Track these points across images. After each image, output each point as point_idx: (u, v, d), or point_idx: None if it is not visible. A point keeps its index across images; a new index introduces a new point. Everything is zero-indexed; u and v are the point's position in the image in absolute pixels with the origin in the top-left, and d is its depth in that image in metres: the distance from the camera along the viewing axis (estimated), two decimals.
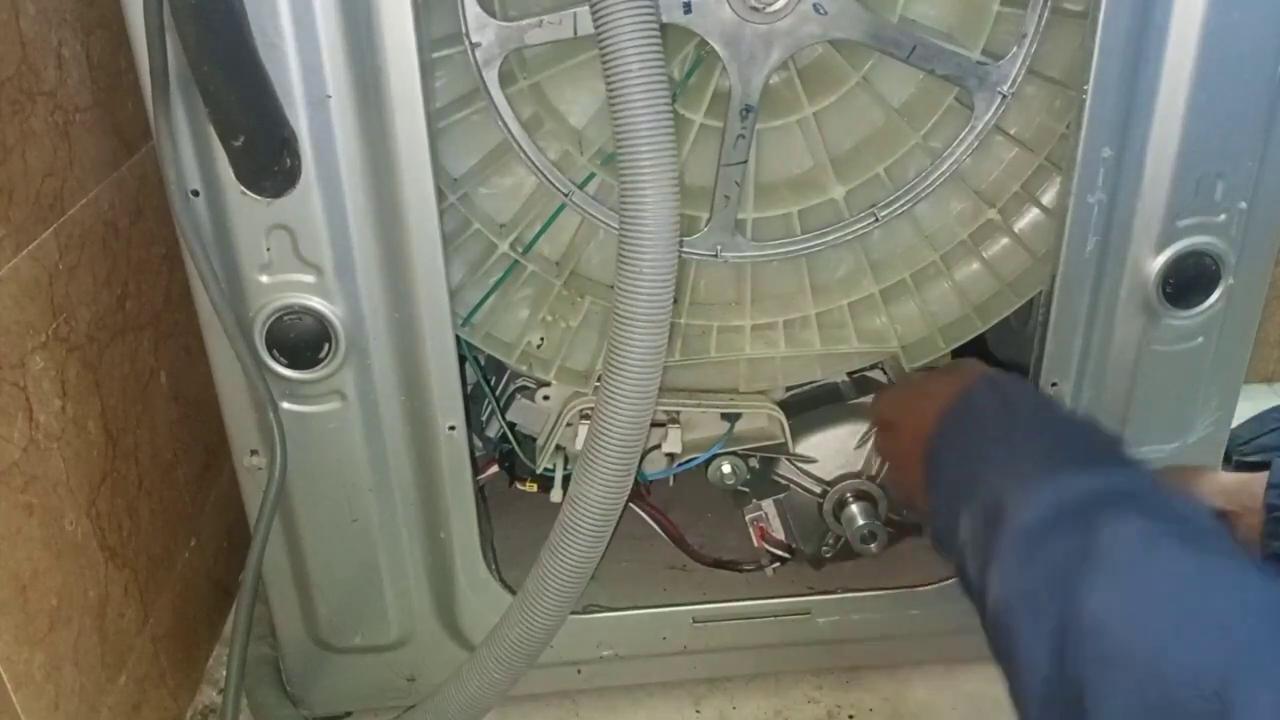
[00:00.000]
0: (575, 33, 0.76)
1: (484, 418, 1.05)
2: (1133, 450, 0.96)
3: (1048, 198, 0.90)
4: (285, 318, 0.81)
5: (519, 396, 1.01)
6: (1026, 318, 0.94)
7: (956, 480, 0.69)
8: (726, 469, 1.02)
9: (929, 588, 1.03)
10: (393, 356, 0.85)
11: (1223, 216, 0.86)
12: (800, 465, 1.03)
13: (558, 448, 1.00)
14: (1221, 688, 0.45)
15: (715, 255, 0.87)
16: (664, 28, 0.70)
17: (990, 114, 0.84)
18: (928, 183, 0.87)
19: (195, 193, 0.77)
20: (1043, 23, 0.80)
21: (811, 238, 0.89)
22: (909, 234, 0.93)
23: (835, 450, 1.02)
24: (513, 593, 0.96)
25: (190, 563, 1.11)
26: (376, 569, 0.95)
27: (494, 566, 0.98)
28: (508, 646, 0.87)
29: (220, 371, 0.85)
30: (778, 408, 0.99)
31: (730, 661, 1.08)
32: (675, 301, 0.74)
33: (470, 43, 0.77)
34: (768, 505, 1.06)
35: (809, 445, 1.02)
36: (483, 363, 1.01)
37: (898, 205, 0.88)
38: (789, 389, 1.02)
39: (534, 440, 1.03)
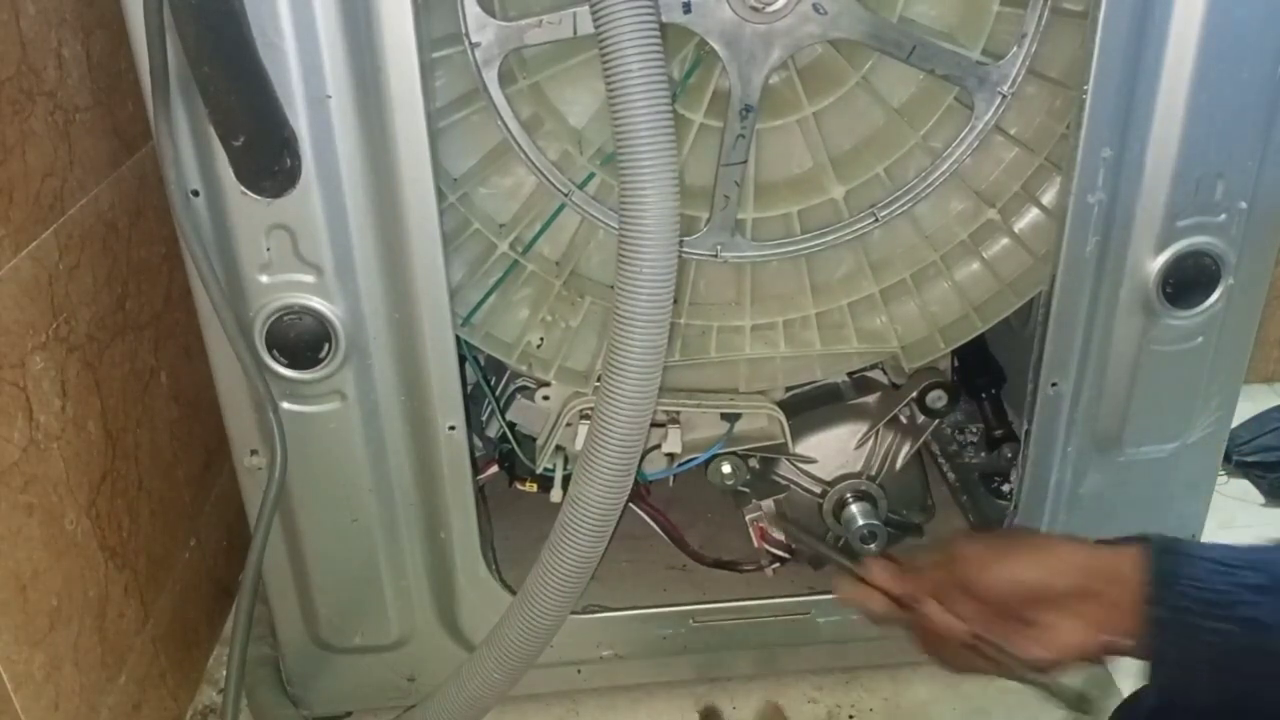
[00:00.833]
0: (575, 32, 0.76)
1: (484, 418, 1.05)
2: (1132, 450, 0.97)
3: (1047, 198, 0.90)
4: (285, 318, 0.81)
5: (519, 396, 1.01)
6: (1026, 318, 0.94)
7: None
8: (726, 469, 1.02)
9: None
10: (393, 356, 0.85)
11: (1223, 216, 0.86)
12: (800, 465, 1.03)
13: (558, 448, 1.00)
14: None
15: (715, 255, 0.87)
16: (664, 27, 0.70)
17: (990, 114, 0.84)
18: (928, 183, 0.87)
19: (195, 193, 0.77)
20: (1043, 22, 0.80)
21: (811, 238, 0.89)
22: (909, 234, 0.93)
23: (835, 450, 1.03)
24: (513, 593, 0.96)
25: (190, 563, 1.11)
26: (376, 569, 0.95)
27: (494, 566, 0.98)
28: (508, 646, 0.87)
29: (220, 371, 0.85)
30: (777, 408, 0.99)
31: (730, 662, 1.08)
32: (675, 301, 0.74)
33: (470, 43, 0.77)
34: (767, 506, 1.06)
35: (809, 445, 1.03)
36: (483, 363, 1.01)
37: (898, 205, 0.88)
38: (789, 389, 1.02)
39: (534, 440, 1.03)
